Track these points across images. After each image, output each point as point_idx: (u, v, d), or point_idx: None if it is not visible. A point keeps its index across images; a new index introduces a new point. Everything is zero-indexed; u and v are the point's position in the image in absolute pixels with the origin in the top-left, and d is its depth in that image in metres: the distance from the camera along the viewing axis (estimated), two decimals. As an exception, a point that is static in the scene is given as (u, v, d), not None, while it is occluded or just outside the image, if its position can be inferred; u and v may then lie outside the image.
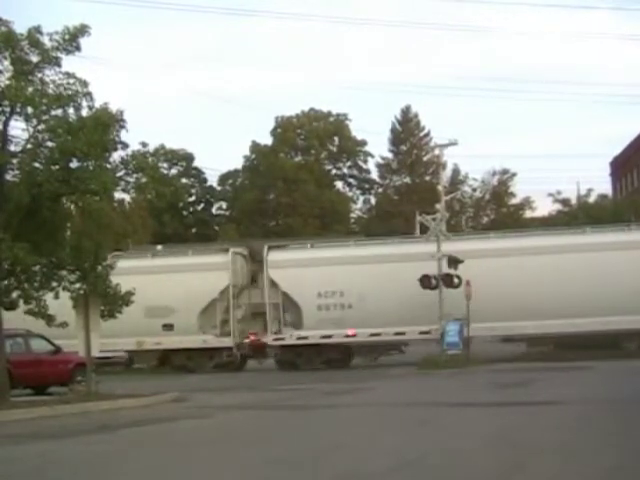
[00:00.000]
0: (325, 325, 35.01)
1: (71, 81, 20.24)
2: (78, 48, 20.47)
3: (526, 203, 74.08)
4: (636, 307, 31.63)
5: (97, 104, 20.48)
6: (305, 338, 35.38)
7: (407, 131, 75.19)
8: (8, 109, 19.99)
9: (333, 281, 35.11)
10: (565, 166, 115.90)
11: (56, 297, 21.31)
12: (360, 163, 77.31)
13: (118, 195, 22.35)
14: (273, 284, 35.91)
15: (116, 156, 20.90)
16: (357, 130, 74.97)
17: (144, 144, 23.09)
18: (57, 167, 20.23)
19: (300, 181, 70.29)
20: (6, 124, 20.22)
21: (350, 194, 78.58)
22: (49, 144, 20.37)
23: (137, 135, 22.79)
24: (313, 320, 35.31)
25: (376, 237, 42.02)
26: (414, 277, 32.83)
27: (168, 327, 35.77)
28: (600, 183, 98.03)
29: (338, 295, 35.17)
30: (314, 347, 35.50)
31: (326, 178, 75.23)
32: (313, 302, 35.29)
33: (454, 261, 33.13)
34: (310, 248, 37.34)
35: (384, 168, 76.29)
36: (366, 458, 11.11)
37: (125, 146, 20.98)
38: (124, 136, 20.83)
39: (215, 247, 40.75)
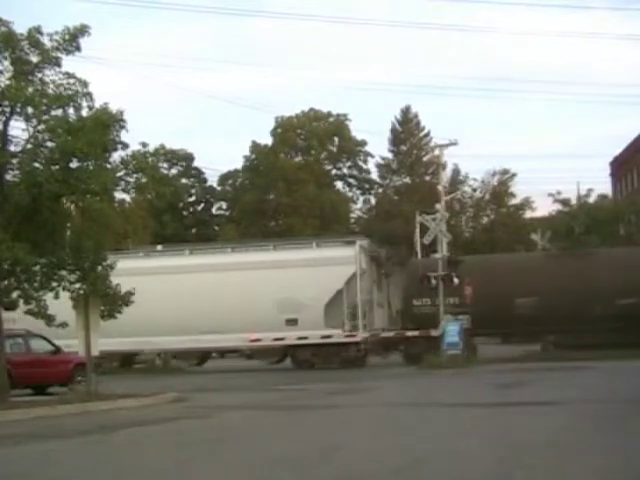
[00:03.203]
0: None
1: (71, 81, 20.23)
2: (78, 48, 20.46)
3: (526, 203, 74.12)
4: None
5: (97, 104, 20.48)
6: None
7: (407, 131, 75.17)
8: (8, 109, 19.97)
9: None
10: (565, 166, 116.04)
11: (56, 297, 21.31)
12: (360, 163, 77.23)
13: (118, 195, 22.32)
14: None
15: (116, 156, 20.90)
16: (357, 130, 74.96)
17: (144, 144, 23.06)
18: (57, 167, 20.20)
19: (300, 181, 70.20)
20: (6, 124, 20.21)
21: (350, 194, 78.52)
22: (49, 144, 20.34)
23: (137, 135, 22.81)
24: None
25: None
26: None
27: None
28: (600, 183, 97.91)
29: None
30: None
31: (326, 178, 75.14)
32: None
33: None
34: None
35: (384, 168, 76.26)
36: (366, 458, 11.11)
37: (125, 146, 20.95)
38: (124, 136, 20.80)
39: None
